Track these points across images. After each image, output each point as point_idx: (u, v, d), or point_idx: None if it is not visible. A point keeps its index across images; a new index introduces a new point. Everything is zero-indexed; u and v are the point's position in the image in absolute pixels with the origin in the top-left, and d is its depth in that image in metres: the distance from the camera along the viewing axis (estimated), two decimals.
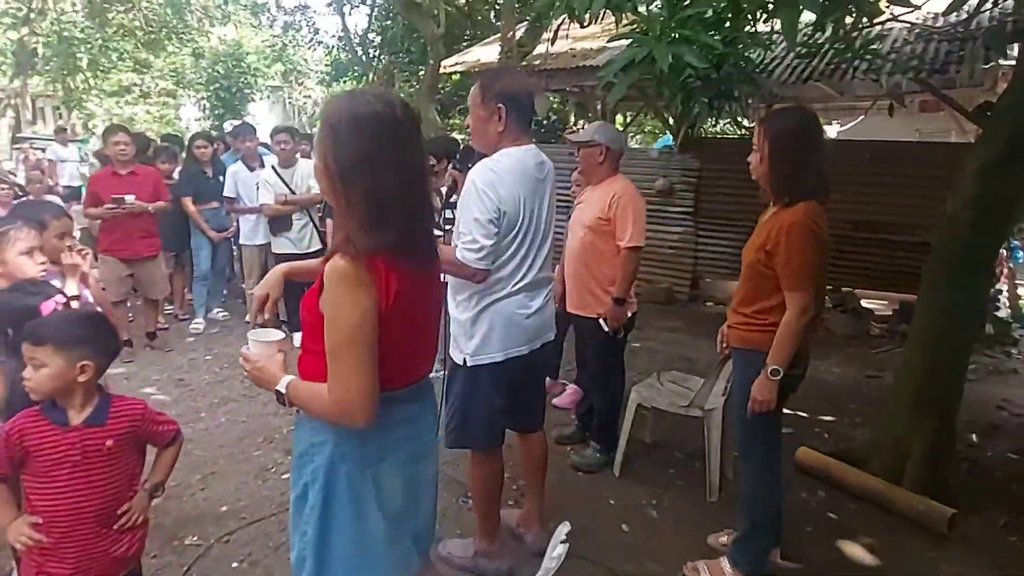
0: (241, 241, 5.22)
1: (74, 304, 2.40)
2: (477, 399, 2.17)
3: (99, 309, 2.65)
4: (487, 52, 8.33)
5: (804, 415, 3.99)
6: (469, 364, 2.16)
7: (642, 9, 2.68)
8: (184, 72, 19.26)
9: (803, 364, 2.24)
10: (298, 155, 4.98)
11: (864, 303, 6.26)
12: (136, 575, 1.81)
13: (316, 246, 4.81)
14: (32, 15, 13.16)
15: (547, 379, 4.16)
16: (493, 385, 2.16)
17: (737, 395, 2.32)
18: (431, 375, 1.54)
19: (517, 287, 2.11)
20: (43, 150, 10.63)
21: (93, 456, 1.59)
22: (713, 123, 6.98)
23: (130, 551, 1.70)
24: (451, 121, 18.18)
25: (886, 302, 6.43)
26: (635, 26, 2.81)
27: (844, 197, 6.21)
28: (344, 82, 20.71)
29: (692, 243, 7.03)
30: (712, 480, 2.96)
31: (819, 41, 4.26)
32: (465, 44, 11.44)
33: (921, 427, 3.02)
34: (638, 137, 18.25)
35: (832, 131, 13.84)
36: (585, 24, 2.98)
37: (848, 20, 3.65)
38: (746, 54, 3.37)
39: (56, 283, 2.43)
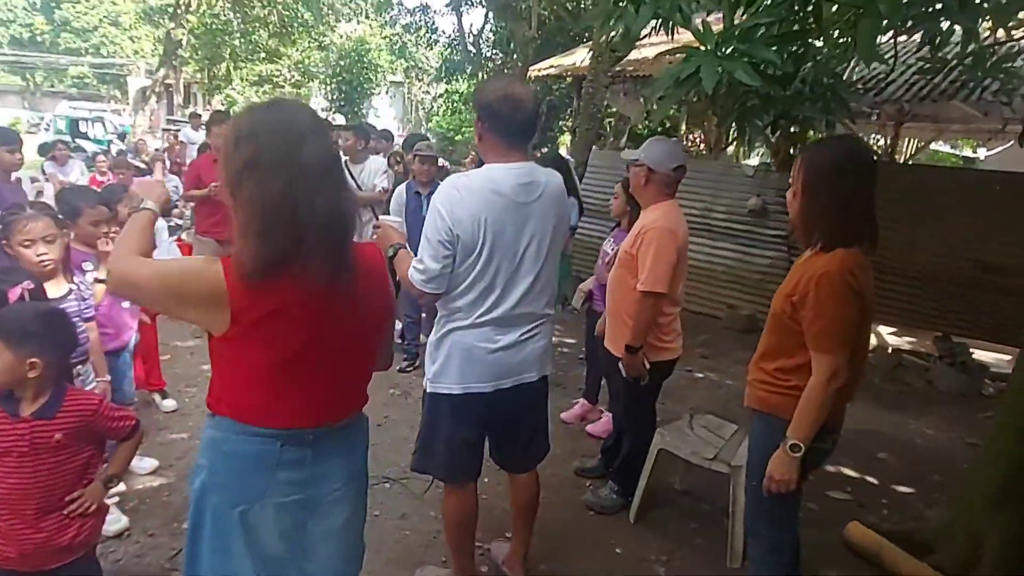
0: None
1: (100, 288, 2.55)
2: (438, 428, 2.04)
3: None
4: (582, 55, 8.12)
5: (873, 481, 3.50)
6: (428, 390, 2.05)
7: (699, 21, 2.41)
8: (311, 64, 20.61)
9: (832, 437, 1.91)
10: (369, 153, 5.07)
11: (980, 356, 5.45)
12: (90, 559, 1.84)
13: None
14: (179, 11, 14.58)
15: (585, 403, 3.96)
16: (453, 418, 2.01)
17: (750, 461, 2.02)
18: None
19: (482, 319, 1.92)
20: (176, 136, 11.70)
21: (41, 448, 1.62)
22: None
23: (78, 538, 1.73)
24: (560, 123, 18.02)
25: (1009, 357, 5.56)
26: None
27: (969, 234, 5.47)
28: (457, 79, 21.28)
29: (783, 269, 6.44)
30: (735, 545, 2.64)
31: (947, 56, 3.73)
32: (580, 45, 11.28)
33: (1004, 517, 2.53)
34: (762, 151, 17.09)
35: (979, 156, 12.30)
36: (640, 38, 2.75)
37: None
38: (836, 69, 2.95)
39: (90, 266, 2.60)
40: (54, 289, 2.23)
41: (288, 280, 1.18)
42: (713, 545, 2.74)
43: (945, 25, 2.92)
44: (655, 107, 2.50)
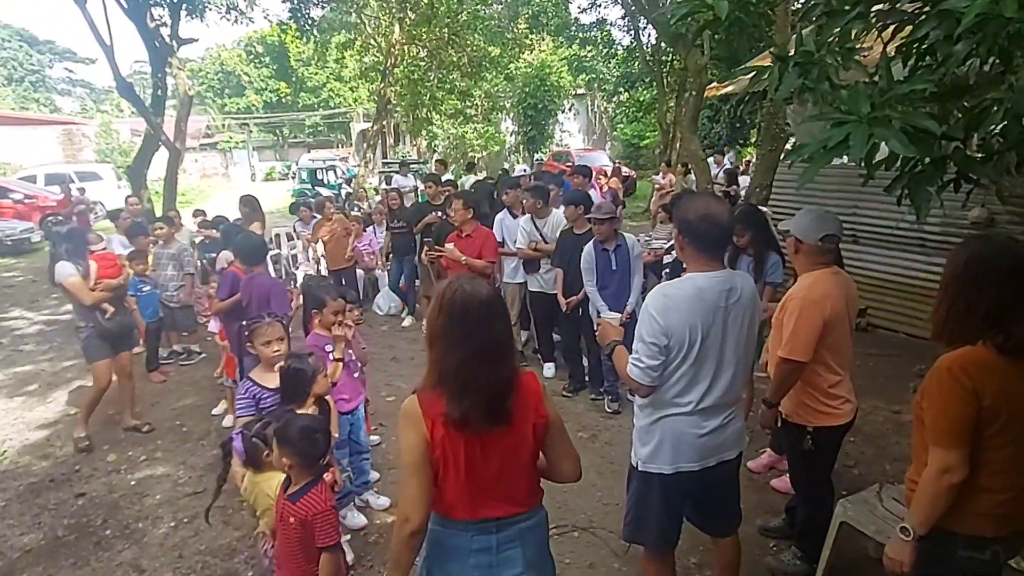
0: (504, 280, 5.88)
1: (338, 366, 3.21)
2: (649, 504, 2.29)
3: (361, 366, 3.47)
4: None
5: None
6: (640, 468, 2.30)
7: (848, 88, 2.33)
8: (498, 95, 22.13)
9: (991, 548, 1.81)
10: (552, 207, 5.46)
11: None
12: None
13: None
14: (387, 70, 16.63)
15: (772, 454, 3.89)
16: (663, 494, 2.26)
17: None
18: None
19: (690, 409, 2.15)
20: (389, 179, 13.46)
21: (284, 523, 2.13)
22: None
23: None
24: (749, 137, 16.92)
25: None
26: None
27: None
28: (637, 88, 21.23)
29: None
30: None
31: None
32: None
33: None
34: None
35: None
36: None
37: None
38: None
39: (329, 347, 3.27)
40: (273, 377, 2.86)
41: (453, 419, 1.58)
42: None
43: None
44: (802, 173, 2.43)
